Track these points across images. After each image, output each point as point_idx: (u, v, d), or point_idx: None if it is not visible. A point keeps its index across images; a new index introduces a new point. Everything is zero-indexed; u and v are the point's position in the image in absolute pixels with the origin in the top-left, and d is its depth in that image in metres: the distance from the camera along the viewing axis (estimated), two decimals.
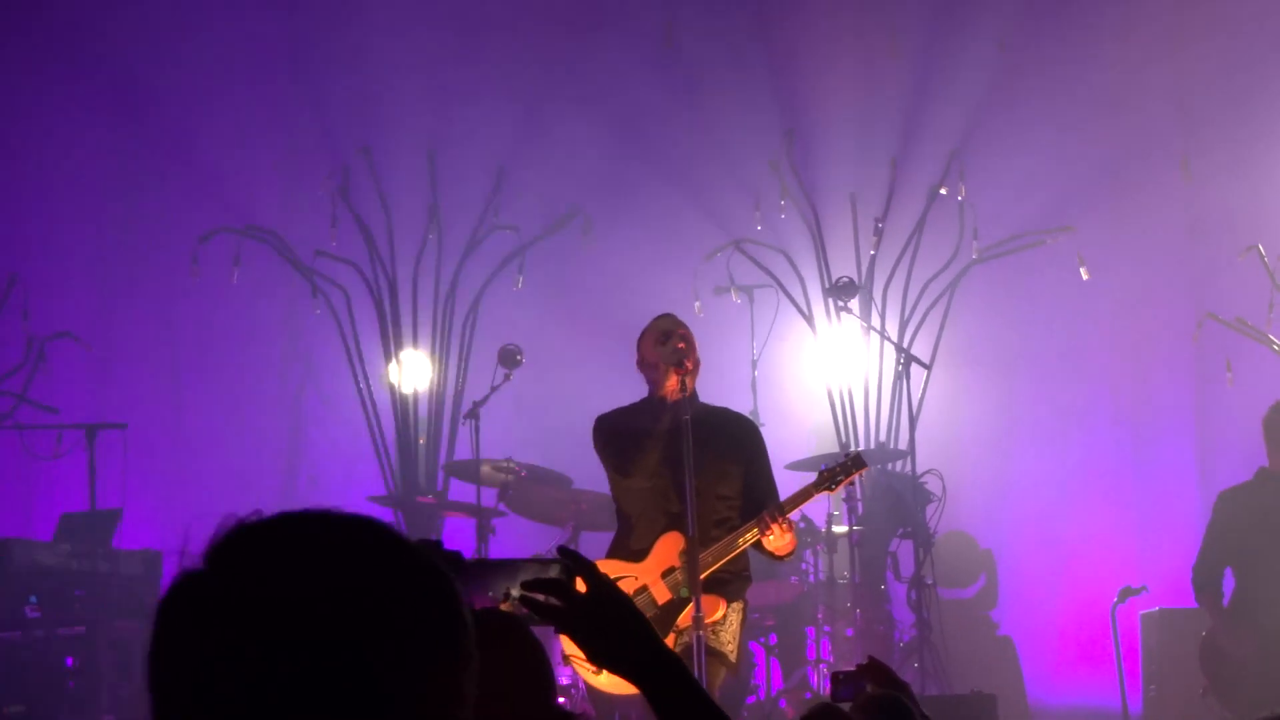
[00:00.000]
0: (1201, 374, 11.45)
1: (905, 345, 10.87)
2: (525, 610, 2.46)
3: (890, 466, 10.75)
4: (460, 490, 10.73)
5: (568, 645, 6.48)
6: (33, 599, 9.70)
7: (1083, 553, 11.64)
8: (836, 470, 6.81)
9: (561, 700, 7.16)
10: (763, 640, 9.85)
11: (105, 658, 9.36)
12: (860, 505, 10.44)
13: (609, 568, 6.53)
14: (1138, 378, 11.94)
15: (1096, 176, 11.72)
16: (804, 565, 10.27)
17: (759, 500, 6.83)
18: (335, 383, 11.68)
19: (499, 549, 9.74)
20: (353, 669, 1.55)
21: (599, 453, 7.13)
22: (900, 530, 10.38)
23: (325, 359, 11.76)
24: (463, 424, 10.31)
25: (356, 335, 11.40)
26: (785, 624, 9.88)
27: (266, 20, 11.86)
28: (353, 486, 11.10)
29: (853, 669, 4.40)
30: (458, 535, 10.50)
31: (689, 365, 6.88)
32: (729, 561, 6.73)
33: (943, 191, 11.34)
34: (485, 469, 9.42)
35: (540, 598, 2.44)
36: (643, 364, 7.08)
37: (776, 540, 6.64)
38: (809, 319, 11.26)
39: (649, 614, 6.52)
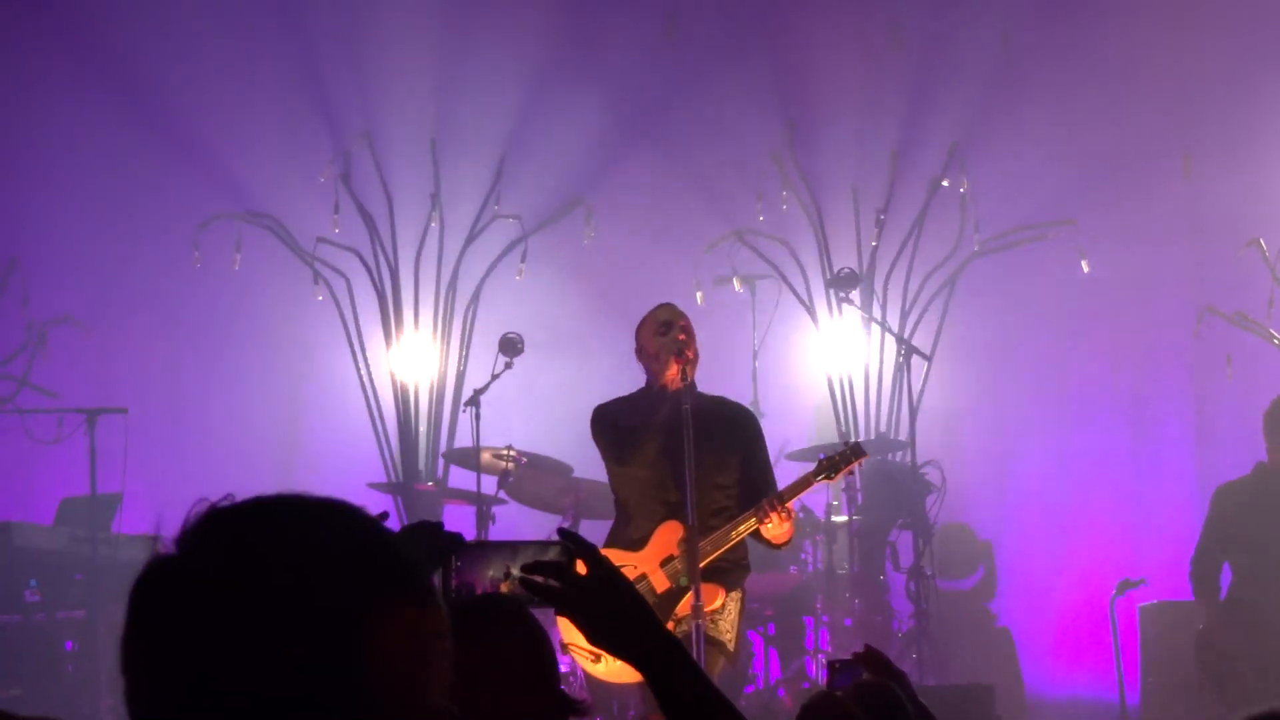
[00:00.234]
0: (1201, 368, 11.45)
1: (906, 337, 10.87)
2: (525, 591, 2.46)
3: (890, 457, 10.75)
4: (460, 478, 10.73)
5: (566, 633, 6.49)
6: (33, 583, 9.72)
7: (1082, 544, 11.66)
8: (836, 459, 6.81)
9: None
10: (761, 630, 9.85)
11: (105, 642, 9.36)
12: (860, 495, 10.44)
13: (608, 556, 6.53)
14: (1138, 371, 11.95)
15: (1098, 170, 11.72)
16: (803, 555, 10.28)
17: (757, 489, 6.83)
18: (336, 370, 11.68)
19: (499, 537, 9.74)
20: (318, 650, 1.55)
21: (596, 442, 7.12)
22: (899, 521, 10.39)
23: (326, 346, 11.75)
24: (463, 412, 10.31)
25: (357, 322, 11.40)
26: (784, 614, 9.88)
27: (268, 5, 11.85)
28: (352, 473, 11.10)
29: (849, 658, 4.41)
30: (458, 523, 10.45)
31: (689, 355, 6.88)
32: (727, 550, 6.73)
33: (944, 184, 11.34)
34: (485, 457, 9.42)
35: (540, 580, 2.44)
36: (642, 353, 7.07)
37: (775, 529, 6.65)
38: (810, 310, 11.26)
39: (648, 602, 6.52)
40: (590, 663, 6.78)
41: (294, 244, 11.44)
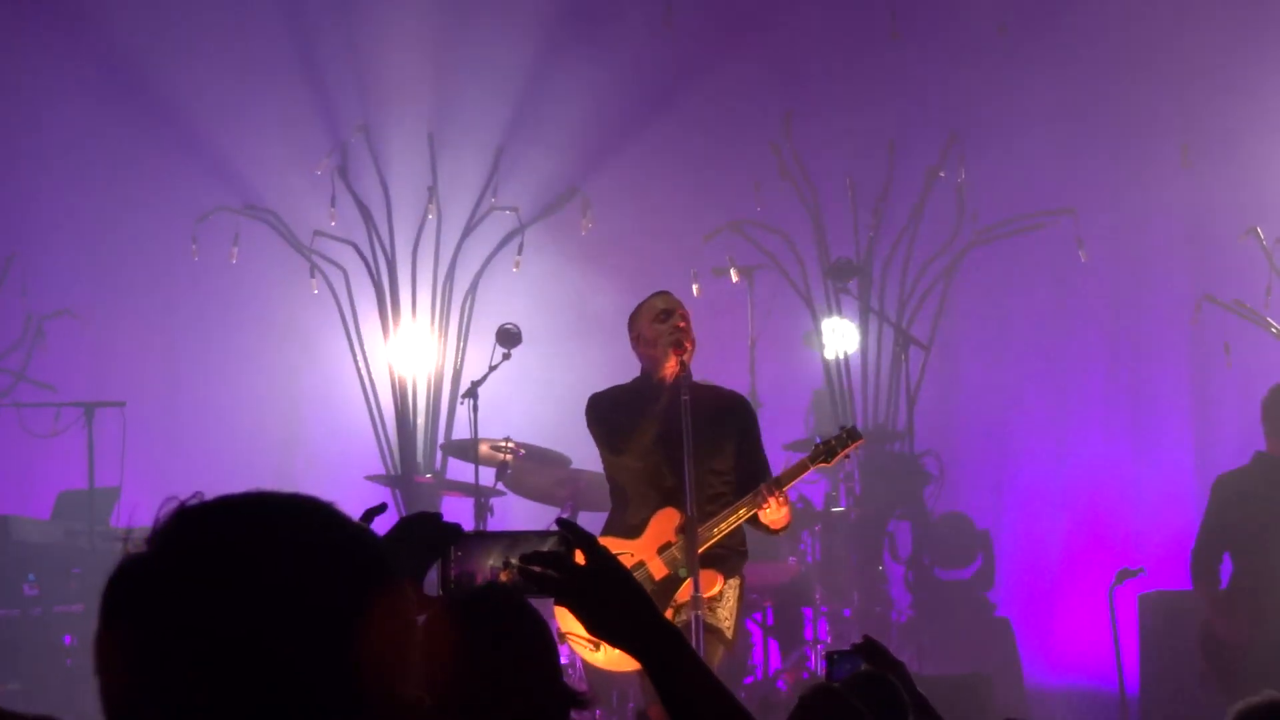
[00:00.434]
0: (1199, 357, 11.45)
1: (904, 326, 10.87)
2: (524, 581, 2.45)
3: (888, 447, 10.75)
4: (458, 470, 10.73)
5: (564, 622, 6.49)
6: (31, 577, 9.71)
7: (1080, 534, 11.66)
8: (832, 443, 6.79)
9: None
10: (760, 620, 9.85)
11: None
12: (858, 485, 10.45)
13: (605, 544, 6.52)
14: (1136, 360, 11.96)
15: (1096, 159, 11.72)
16: (801, 546, 10.28)
17: (752, 476, 6.82)
18: (333, 362, 11.67)
19: (497, 529, 9.73)
20: (285, 646, 1.55)
21: (591, 431, 7.10)
22: (898, 511, 10.39)
23: (323, 338, 11.75)
24: (461, 403, 10.30)
25: (355, 315, 11.39)
26: (783, 604, 9.87)
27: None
28: (350, 465, 11.10)
29: (848, 649, 4.41)
30: (456, 515, 10.44)
31: (687, 344, 6.87)
32: (725, 537, 6.72)
33: (941, 174, 11.34)
34: (483, 449, 9.41)
35: (538, 569, 2.44)
36: (639, 341, 7.03)
37: (773, 514, 6.64)
38: (808, 300, 11.26)
39: (645, 590, 6.51)
40: (589, 652, 6.77)
41: (291, 237, 11.43)
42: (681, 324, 6.89)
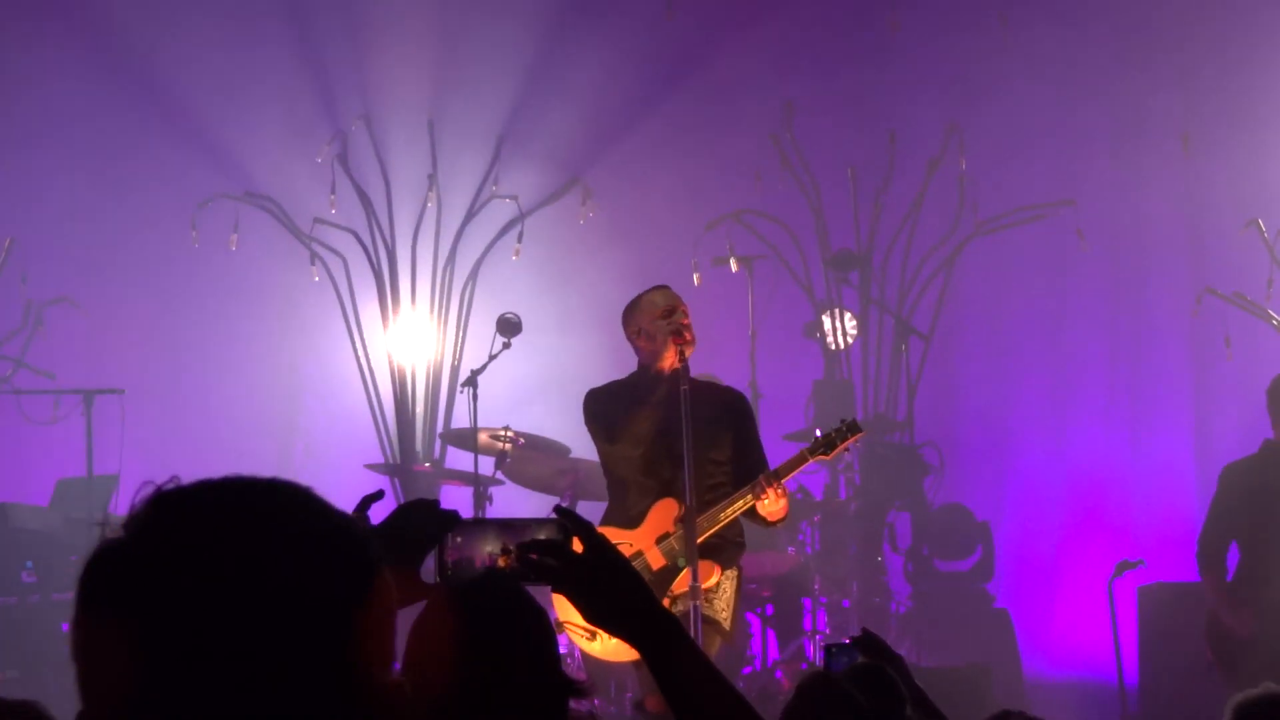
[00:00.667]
0: (1200, 348, 11.45)
1: (904, 317, 10.86)
2: (522, 569, 2.44)
3: (888, 438, 10.74)
4: (457, 459, 10.72)
5: (562, 610, 6.48)
6: (29, 564, 9.71)
7: (1080, 526, 11.66)
8: (832, 435, 6.78)
9: None
10: (759, 611, 9.85)
11: None
12: (858, 476, 10.44)
13: (604, 534, 6.51)
14: (1136, 352, 11.95)
15: (1096, 150, 11.72)
16: (801, 536, 10.27)
17: (749, 467, 6.82)
18: (333, 350, 11.67)
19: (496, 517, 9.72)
20: (262, 631, 1.54)
21: (588, 424, 7.09)
22: (897, 502, 10.38)
23: (323, 326, 11.74)
24: (460, 392, 10.29)
25: (355, 303, 11.39)
26: (782, 595, 9.87)
27: None
28: (350, 454, 11.10)
29: (846, 641, 4.41)
30: (455, 504, 10.43)
31: (688, 336, 6.86)
32: (722, 528, 6.71)
33: (942, 165, 11.34)
34: (483, 437, 9.40)
35: (536, 557, 2.43)
36: (639, 335, 7.00)
37: (771, 505, 6.63)
38: (808, 290, 11.25)
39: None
40: (586, 641, 6.77)
41: (291, 225, 11.42)
42: (685, 320, 6.88)
